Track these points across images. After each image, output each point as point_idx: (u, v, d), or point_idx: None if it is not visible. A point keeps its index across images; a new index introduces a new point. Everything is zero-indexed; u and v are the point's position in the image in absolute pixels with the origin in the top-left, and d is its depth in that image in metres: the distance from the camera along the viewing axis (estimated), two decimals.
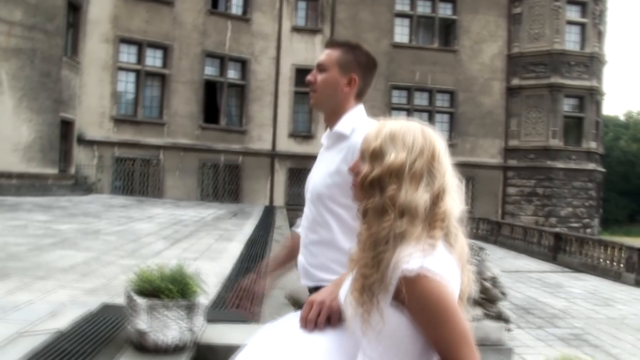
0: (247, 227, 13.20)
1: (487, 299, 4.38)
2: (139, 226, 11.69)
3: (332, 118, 2.21)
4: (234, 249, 9.55)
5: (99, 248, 8.54)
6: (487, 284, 4.34)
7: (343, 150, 2.12)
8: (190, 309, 3.76)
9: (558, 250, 16.44)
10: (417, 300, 1.32)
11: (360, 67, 2.20)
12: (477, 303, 4.35)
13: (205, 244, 9.82)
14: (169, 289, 3.74)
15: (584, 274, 14.51)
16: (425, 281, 1.32)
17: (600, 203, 26.97)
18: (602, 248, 14.87)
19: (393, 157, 1.43)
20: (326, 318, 1.69)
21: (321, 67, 2.21)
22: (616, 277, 13.79)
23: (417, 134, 1.45)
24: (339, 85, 2.18)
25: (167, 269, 3.99)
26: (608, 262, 14.39)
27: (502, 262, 15.06)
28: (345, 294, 1.52)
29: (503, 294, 4.50)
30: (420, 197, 1.39)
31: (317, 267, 2.14)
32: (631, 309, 10.42)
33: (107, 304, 5.16)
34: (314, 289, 2.12)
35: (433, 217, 1.40)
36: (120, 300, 5.34)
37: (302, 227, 2.25)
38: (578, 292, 11.66)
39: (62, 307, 5.04)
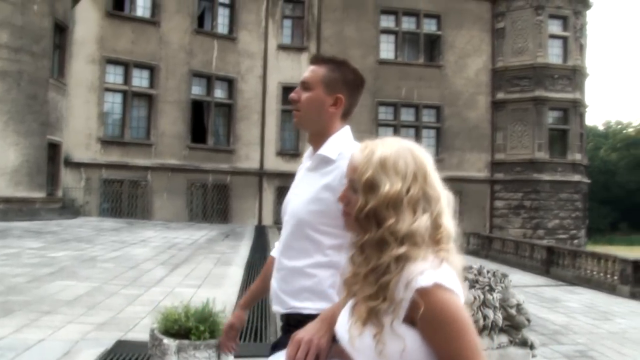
0: (242, 250, 13.09)
1: (512, 325, 4.36)
2: (134, 251, 11.53)
3: (317, 138, 2.12)
4: (235, 274, 9.45)
5: (99, 277, 8.39)
6: (512, 311, 4.32)
7: (327, 176, 2.03)
8: (219, 347, 3.67)
9: (551, 263, 16.51)
10: (434, 312, 1.29)
11: (347, 86, 2.10)
12: (502, 330, 4.33)
13: (205, 270, 9.70)
14: (198, 329, 3.66)
15: (578, 287, 14.57)
16: (443, 292, 1.30)
17: (586, 214, 27.23)
18: (595, 261, 14.97)
19: (388, 187, 1.38)
20: (314, 358, 1.62)
21: (305, 85, 2.11)
22: (611, 289, 13.87)
23: (408, 159, 1.41)
24: (324, 105, 2.08)
25: (193, 307, 3.90)
26: (602, 274, 14.47)
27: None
28: (346, 327, 1.45)
29: (528, 320, 4.48)
30: (420, 223, 1.37)
31: (290, 295, 2.04)
32: (631, 322, 10.46)
33: (122, 341, 5.05)
34: (285, 317, 2.07)
35: (437, 242, 1.38)
36: (133, 335, 5.25)
37: (277, 250, 2.16)
38: (576, 307, 11.70)
39: (76, 345, 4.92)
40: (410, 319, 1.32)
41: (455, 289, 1.32)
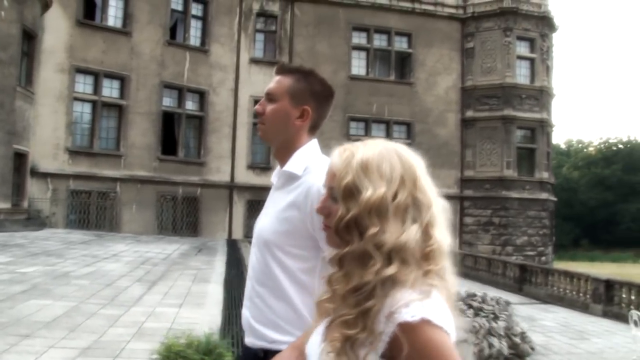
0: (217, 265, 12.87)
1: (516, 354, 4.33)
2: (107, 267, 11.21)
3: (283, 153, 1.99)
4: (215, 291, 9.25)
5: (75, 295, 8.11)
6: (517, 339, 4.29)
7: (293, 192, 1.89)
8: None
9: (524, 281, 16.71)
10: (419, 353, 1.12)
11: (314, 97, 1.97)
12: (506, 359, 4.29)
13: (184, 287, 9.47)
14: None
15: (551, 305, 14.76)
16: (431, 330, 1.12)
17: (553, 231, 27.71)
18: (568, 279, 15.19)
19: (370, 192, 1.20)
20: None
21: (270, 97, 1.98)
22: (584, 308, 14.08)
23: (393, 161, 1.24)
24: (290, 118, 1.96)
25: (195, 337, 3.75)
26: (574, 293, 14.69)
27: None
28: (317, 350, 1.28)
29: (532, 348, 4.45)
30: (409, 235, 1.19)
31: (263, 324, 1.89)
32: (606, 342, 10.61)
33: None
34: (255, 354, 1.89)
35: (426, 256, 1.20)
36: None
37: (249, 276, 2.00)
38: (552, 325, 11.82)
39: None
40: (389, 356, 1.15)
41: (445, 325, 1.14)
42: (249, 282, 1.97)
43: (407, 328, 1.12)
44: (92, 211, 20.64)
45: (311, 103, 1.97)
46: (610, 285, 13.74)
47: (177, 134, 22.95)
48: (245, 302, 1.97)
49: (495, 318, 4.25)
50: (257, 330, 1.90)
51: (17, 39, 17.64)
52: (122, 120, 21.46)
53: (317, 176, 1.80)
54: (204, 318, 7.12)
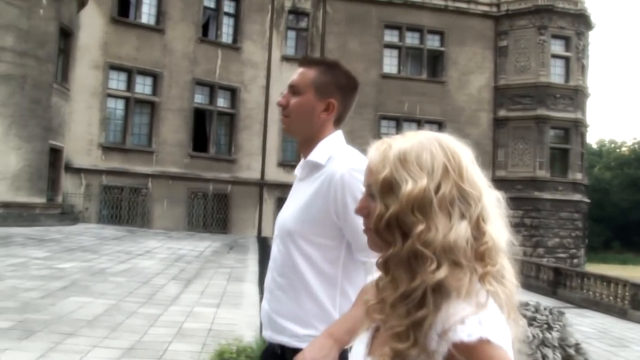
0: (250, 264, 12.88)
1: None
2: (142, 264, 11.29)
3: (308, 146, 1.95)
4: (251, 292, 9.24)
5: (113, 293, 8.16)
6: (571, 351, 4.18)
7: (317, 181, 1.86)
8: None
9: (558, 284, 16.44)
10: None
11: (339, 90, 1.94)
12: None
13: (219, 286, 9.49)
14: None
15: (586, 310, 14.48)
16: (489, 350, 1.00)
17: (586, 233, 27.24)
18: (604, 284, 14.90)
19: (410, 186, 1.07)
20: None
21: (294, 89, 1.94)
22: (621, 314, 13.79)
23: (434, 150, 1.11)
24: (315, 111, 1.92)
25: (247, 345, 3.71)
26: (611, 298, 14.40)
27: None
28: None
29: None
30: (459, 231, 1.05)
31: (284, 316, 1.85)
32: None
33: None
34: (280, 347, 1.84)
35: (480, 256, 1.06)
36: None
37: (269, 268, 1.96)
38: (589, 331, 11.58)
39: None
40: None
41: (505, 343, 1.02)
42: (269, 274, 1.94)
43: (463, 349, 1.00)
44: (124, 207, 20.86)
45: (336, 96, 1.94)
46: None
47: (208, 130, 23.07)
48: (265, 295, 1.94)
49: (549, 328, 4.15)
50: (277, 324, 1.86)
51: (54, 37, 17.87)
52: (154, 117, 21.63)
53: (340, 164, 1.83)
54: (242, 319, 7.11)
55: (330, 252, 1.82)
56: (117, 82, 21.16)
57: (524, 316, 4.43)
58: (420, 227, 1.05)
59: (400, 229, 1.08)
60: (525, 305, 4.17)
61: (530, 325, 4.12)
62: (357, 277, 1.84)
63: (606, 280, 15.08)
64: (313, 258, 1.83)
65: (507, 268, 1.11)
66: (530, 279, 18.02)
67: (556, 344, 4.09)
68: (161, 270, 10.73)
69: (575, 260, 25.26)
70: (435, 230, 1.05)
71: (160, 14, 22.06)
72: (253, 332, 6.38)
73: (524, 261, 19.47)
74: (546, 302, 15.78)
